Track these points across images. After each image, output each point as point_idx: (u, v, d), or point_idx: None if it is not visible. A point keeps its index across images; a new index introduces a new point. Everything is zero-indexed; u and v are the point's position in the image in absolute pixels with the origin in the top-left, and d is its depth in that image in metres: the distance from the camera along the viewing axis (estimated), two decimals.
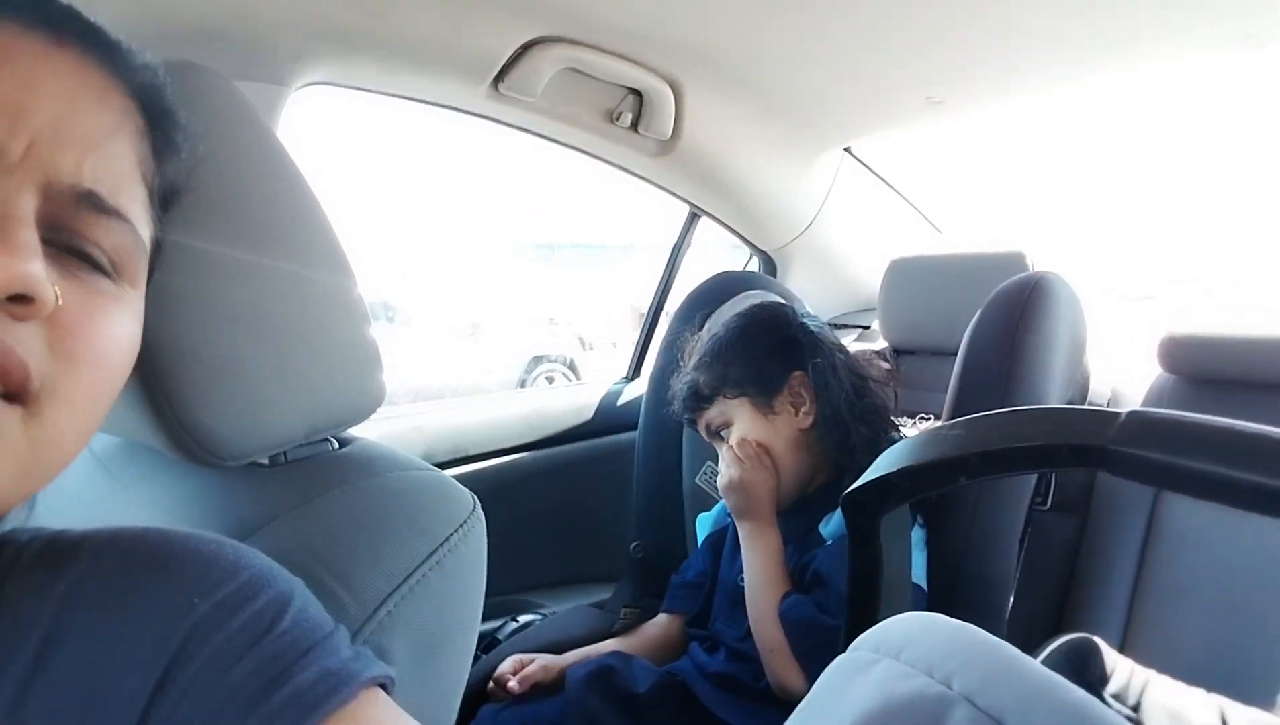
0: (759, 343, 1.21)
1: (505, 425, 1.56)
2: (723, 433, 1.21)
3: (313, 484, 0.63)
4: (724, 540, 1.29)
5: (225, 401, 0.59)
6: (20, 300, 0.36)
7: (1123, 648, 1.23)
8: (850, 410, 1.14)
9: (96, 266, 0.41)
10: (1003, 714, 0.47)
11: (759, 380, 1.19)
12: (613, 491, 1.62)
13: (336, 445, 0.70)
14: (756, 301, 1.35)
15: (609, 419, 1.72)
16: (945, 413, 1.18)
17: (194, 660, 0.42)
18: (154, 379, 0.57)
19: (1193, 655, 1.19)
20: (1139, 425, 0.60)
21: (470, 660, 0.63)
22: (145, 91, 0.45)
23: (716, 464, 1.46)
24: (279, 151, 0.66)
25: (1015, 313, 1.12)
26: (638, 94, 1.35)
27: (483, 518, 0.64)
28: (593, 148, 1.43)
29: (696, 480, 1.46)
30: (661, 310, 1.82)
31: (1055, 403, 1.17)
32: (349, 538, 0.57)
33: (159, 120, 0.46)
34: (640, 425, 1.51)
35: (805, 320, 1.24)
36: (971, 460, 0.66)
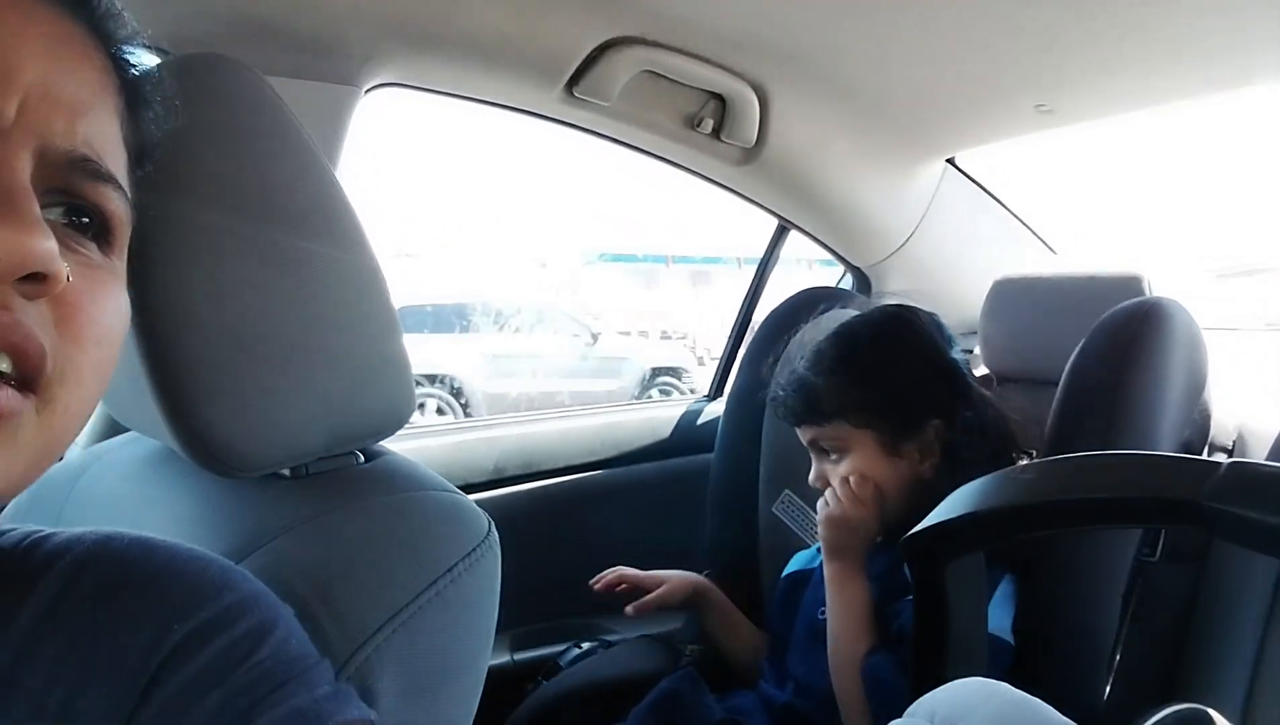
0: (905, 368, 1.07)
1: (578, 441, 1.52)
2: (831, 454, 1.08)
3: (324, 500, 0.59)
4: (808, 580, 1.21)
5: (240, 410, 0.56)
6: (33, 278, 0.34)
7: (1244, 720, 1.10)
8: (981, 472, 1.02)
9: (91, 237, 0.39)
10: None
11: (894, 415, 1.05)
12: (686, 515, 1.55)
13: (362, 459, 0.67)
14: (899, 306, 1.19)
15: (687, 438, 1.66)
16: (1044, 448, 1.08)
17: (166, 687, 0.39)
18: (170, 384, 0.54)
19: None
20: (1242, 479, 0.50)
21: (475, 702, 0.57)
22: (121, 49, 0.43)
23: (795, 493, 1.38)
24: (309, 148, 0.63)
25: (1123, 341, 1.01)
26: (720, 99, 1.29)
27: (497, 546, 0.59)
28: (671, 155, 1.38)
29: (773, 509, 1.39)
30: (747, 327, 1.75)
31: (1168, 445, 1.05)
32: (345, 561, 0.53)
33: (135, 79, 0.44)
34: (717, 447, 1.44)
35: (957, 354, 1.10)
36: (1044, 509, 0.58)
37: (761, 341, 1.43)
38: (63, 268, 0.34)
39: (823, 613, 1.09)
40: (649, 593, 1.21)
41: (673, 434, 1.65)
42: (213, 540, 0.56)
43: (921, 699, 0.58)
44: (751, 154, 1.38)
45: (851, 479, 1.04)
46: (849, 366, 1.07)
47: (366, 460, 0.67)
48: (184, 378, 0.55)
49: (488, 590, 0.58)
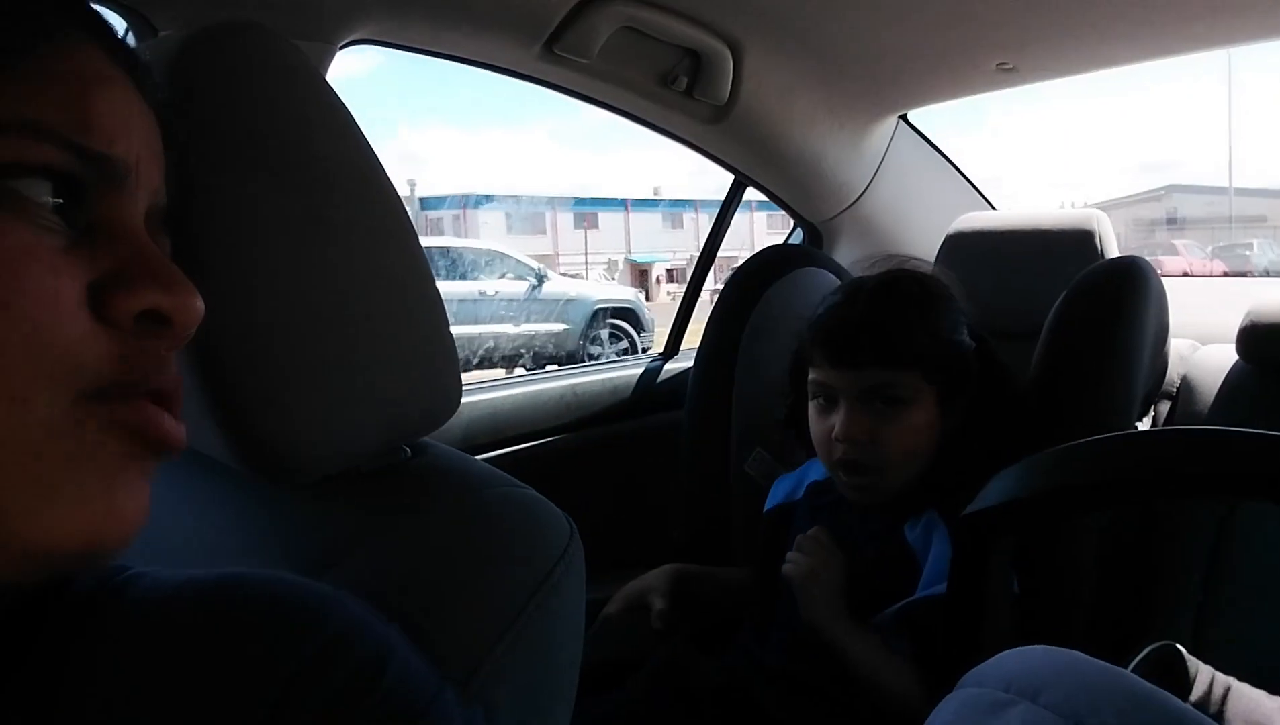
0: (964, 327, 1.05)
1: (543, 406, 1.49)
2: (883, 406, 1.01)
3: (392, 504, 0.56)
4: (791, 521, 1.21)
5: (295, 407, 0.52)
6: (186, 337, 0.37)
7: (1193, 647, 1.18)
8: (1000, 439, 1.02)
9: None
10: None
11: (959, 378, 1.02)
12: (654, 473, 1.55)
13: (409, 453, 0.63)
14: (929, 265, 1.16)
15: (648, 398, 1.65)
16: (1031, 407, 1.12)
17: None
18: (217, 382, 0.50)
19: (1271, 659, 1.13)
20: None
21: (571, 710, 0.56)
22: (159, 107, 0.42)
23: (766, 451, 1.40)
24: (348, 120, 0.58)
25: (1108, 298, 1.05)
26: (695, 56, 1.27)
27: (580, 544, 0.57)
28: (645, 113, 1.35)
29: (745, 467, 1.40)
30: (703, 285, 1.75)
31: (1140, 392, 1.10)
32: (442, 572, 0.50)
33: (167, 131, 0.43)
34: (687, 406, 1.44)
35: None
36: (1134, 483, 0.59)
37: (730, 301, 1.42)
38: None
39: None
40: None
41: (634, 394, 1.64)
42: (280, 559, 0.52)
43: (981, 668, 0.57)
44: (722, 112, 1.36)
45: (813, 535, 1.04)
46: (928, 315, 1.03)
47: (414, 455, 0.64)
48: (238, 377, 0.50)
49: (581, 594, 0.56)
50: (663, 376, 1.70)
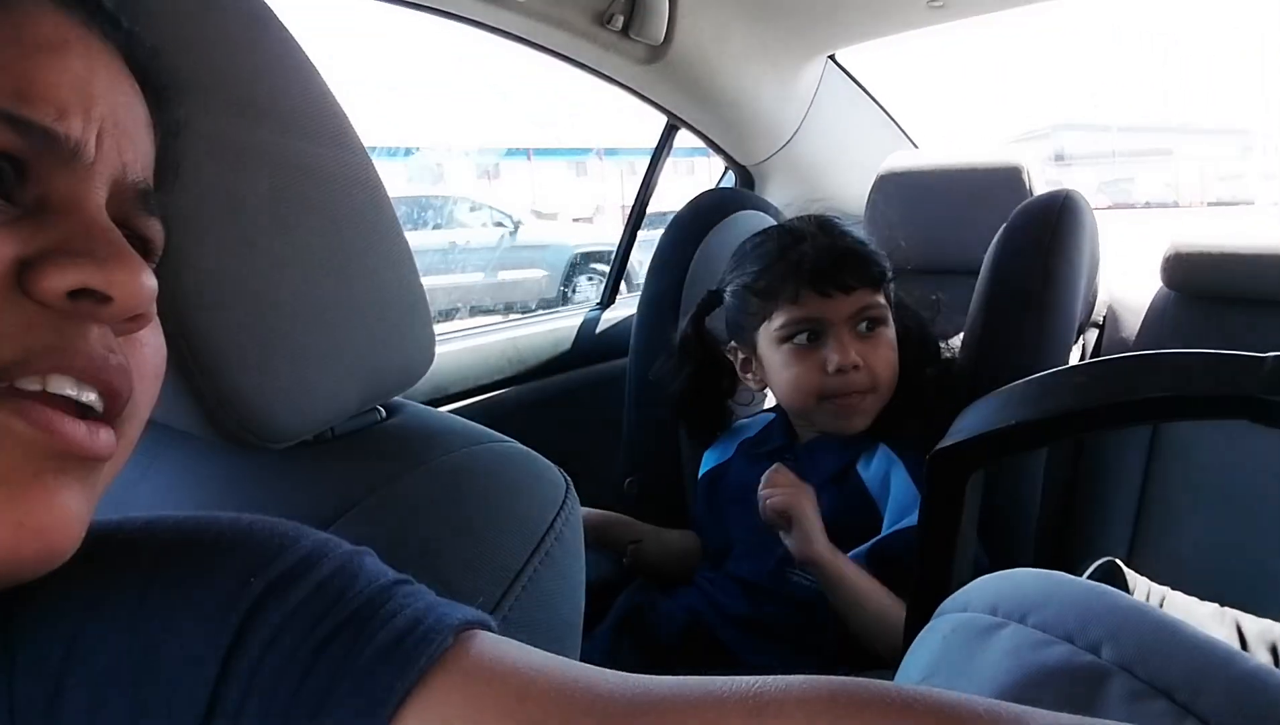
0: None
1: (483, 361, 1.46)
2: (866, 327, 1.06)
3: (378, 465, 0.53)
4: (724, 477, 1.23)
5: (271, 370, 0.49)
6: (137, 317, 0.34)
7: (1128, 561, 1.25)
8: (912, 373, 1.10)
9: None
10: (1170, 686, 0.42)
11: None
12: (599, 424, 1.54)
13: (384, 414, 0.61)
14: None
15: (589, 348, 1.64)
16: (968, 336, 1.14)
17: (257, 640, 0.35)
18: (188, 349, 0.47)
19: (1199, 569, 1.20)
20: None
21: (578, 659, 0.55)
22: (149, 76, 0.40)
23: None
24: (309, 67, 0.54)
25: (1046, 234, 1.08)
26: None
27: (576, 496, 0.56)
28: (580, 55, 1.31)
29: None
30: (637, 232, 1.72)
31: (1076, 322, 1.14)
32: (442, 533, 0.49)
33: (158, 104, 0.41)
34: (631, 352, 1.43)
35: None
36: (1099, 412, 0.61)
37: (670, 247, 1.41)
38: (154, 306, 0.35)
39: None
40: None
41: (574, 345, 1.62)
42: None
43: (964, 592, 0.58)
44: (658, 52, 1.33)
45: (775, 471, 1.04)
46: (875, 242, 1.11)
47: (389, 416, 0.61)
48: (204, 341, 0.47)
49: (581, 545, 0.54)
50: (602, 326, 1.68)
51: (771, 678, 0.33)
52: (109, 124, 0.35)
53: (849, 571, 0.97)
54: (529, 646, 0.37)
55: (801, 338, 1.06)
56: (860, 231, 1.12)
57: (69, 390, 0.33)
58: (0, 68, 0.32)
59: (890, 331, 1.07)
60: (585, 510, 1.18)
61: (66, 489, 0.33)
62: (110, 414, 0.35)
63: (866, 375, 1.04)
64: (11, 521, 0.31)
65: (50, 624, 0.36)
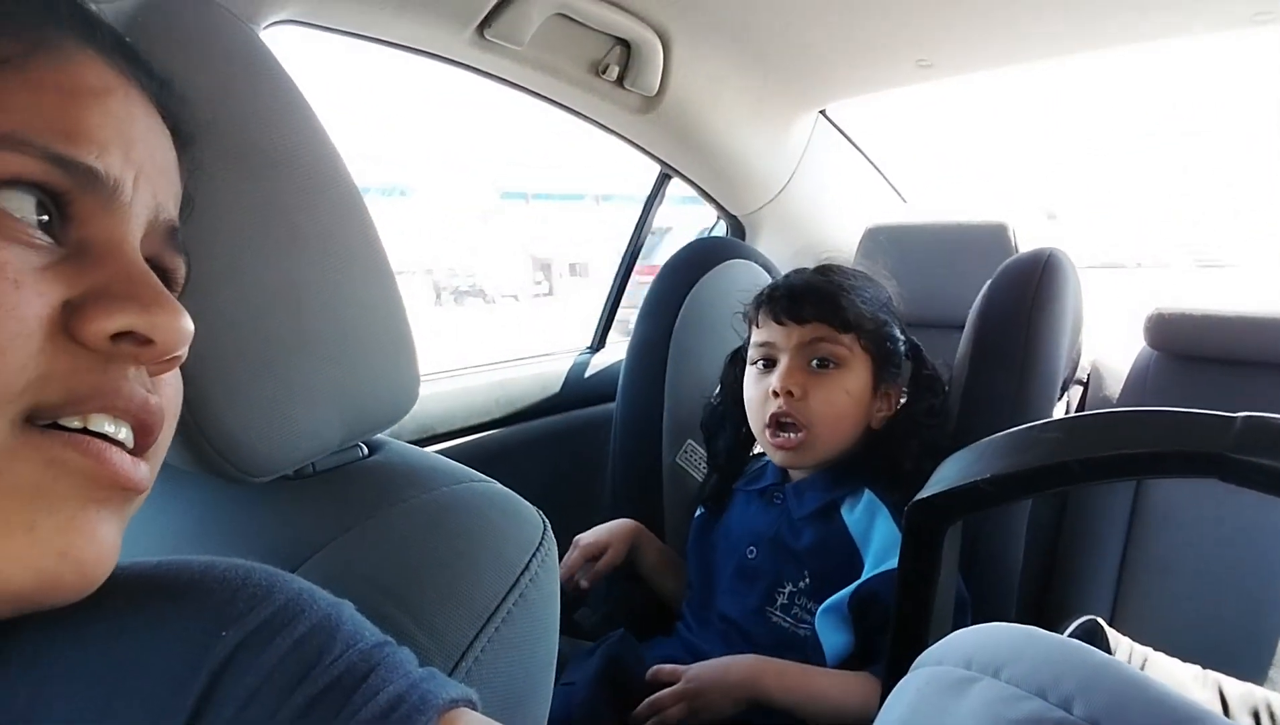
0: (897, 320, 1.13)
1: (471, 402, 1.46)
2: (818, 364, 1.07)
3: (358, 501, 0.54)
4: (713, 524, 1.24)
5: (255, 403, 0.50)
6: (173, 358, 0.36)
7: (1111, 622, 1.25)
8: (923, 427, 1.10)
9: None
10: None
11: (890, 354, 1.09)
12: (585, 468, 1.54)
13: (365, 451, 0.61)
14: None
15: (577, 392, 1.64)
16: (953, 390, 1.15)
17: (229, 702, 0.35)
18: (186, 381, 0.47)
19: (1181, 631, 1.20)
20: (1260, 432, 0.56)
21: (548, 705, 0.54)
22: (179, 122, 0.43)
23: (697, 443, 1.40)
24: (305, 107, 0.55)
25: (1030, 290, 1.09)
26: (626, 46, 1.26)
27: (554, 538, 0.56)
28: (576, 103, 1.33)
29: (676, 459, 1.40)
30: (629, 278, 1.74)
31: (1060, 378, 1.15)
32: (419, 568, 0.49)
33: (183, 146, 0.43)
34: (619, 398, 1.43)
35: None
36: (1072, 467, 0.62)
37: (661, 293, 1.42)
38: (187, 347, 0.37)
39: (751, 552, 1.12)
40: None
41: (563, 388, 1.62)
42: (245, 557, 0.50)
43: (939, 646, 0.57)
44: (652, 102, 1.36)
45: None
46: (871, 293, 1.11)
47: (370, 452, 0.61)
48: (195, 373, 0.47)
49: (556, 587, 0.54)
50: (591, 370, 1.68)
51: None
52: (145, 166, 0.37)
53: (792, 690, 0.99)
54: None
55: (759, 363, 1.12)
56: (868, 283, 1.14)
57: (107, 427, 0.34)
58: (50, 111, 0.33)
59: (848, 378, 1.07)
60: (620, 527, 1.21)
61: (107, 523, 0.34)
62: (140, 449, 0.36)
63: (804, 409, 1.06)
64: (56, 551, 0.32)
65: (20, 668, 0.36)
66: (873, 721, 0.87)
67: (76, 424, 0.33)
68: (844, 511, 1.06)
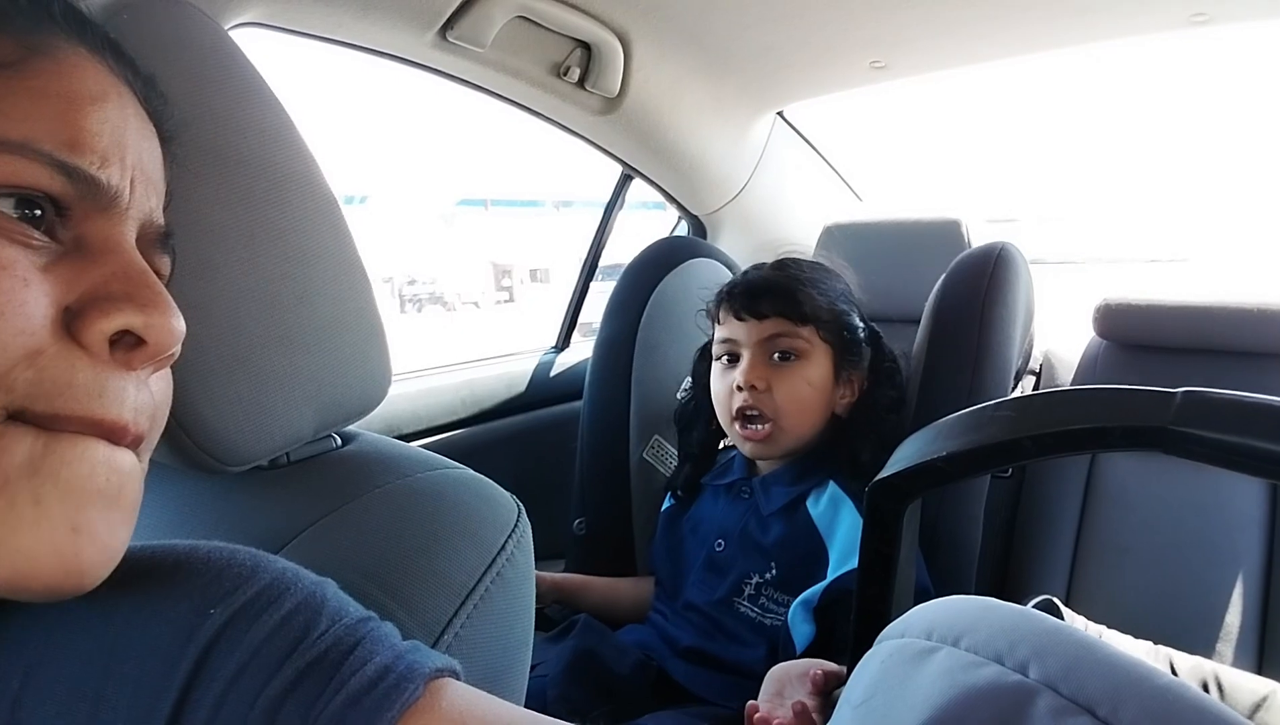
0: (856, 308, 1.16)
1: (438, 402, 1.47)
2: (779, 357, 1.10)
3: (334, 488, 0.55)
4: (680, 516, 1.26)
5: (230, 395, 0.50)
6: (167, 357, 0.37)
7: (1066, 601, 1.28)
8: (886, 420, 1.13)
9: None
10: (1092, 702, 0.44)
11: (850, 342, 1.13)
12: (552, 466, 1.55)
13: (339, 442, 0.62)
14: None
15: (543, 390, 1.65)
16: (911, 381, 1.18)
17: (218, 678, 0.35)
18: None
19: (1133, 608, 1.25)
20: (1199, 406, 0.59)
21: (526, 681, 0.56)
22: (161, 121, 0.43)
23: (664, 438, 1.43)
24: (276, 105, 0.56)
25: (983, 284, 1.13)
26: (587, 48, 1.28)
27: (529, 522, 0.57)
28: (537, 105, 1.35)
29: (644, 455, 1.42)
30: (592, 277, 1.76)
31: (1013, 368, 1.19)
32: (397, 551, 0.50)
33: (166, 146, 0.43)
34: (585, 396, 1.45)
35: None
36: (1023, 443, 0.64)
37: (625, 291, 1.44)
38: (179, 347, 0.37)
39: (720, 544, 1.15)
40: None
41: (528, 387, 1.63)
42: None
43: (901, 620, 0.60)
44: (613, 104, 1.38)
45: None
46: (828, 285, 1.14)
47: (344, 443, 0.62)
48: (177, 367, 0.48)
49: (531, 568, 0.56)
50: (556, 369, 1.70)
51: None
52: (139, 171, 0.38)
53: None
54: (497, 699, 0.38)
55: (724, 358, 1.16)
56: (825, 275, 1.17)
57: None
58: (52, 118, 0.34)
59: (809, 369, 1.10)
60: (541, 573, 1.20)
61: (122, 510, 0.36)
62: (133, 447, 0.37)
63: (769, 401, 1.09)
64: (68, 525, 0.33)
65: (10, 652, 0.37)
66: None
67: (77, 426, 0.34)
68: (809, 504, 1.09)
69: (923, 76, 1.49)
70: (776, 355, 1.10)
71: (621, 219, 1.75)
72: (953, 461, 0.66)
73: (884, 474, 0.71)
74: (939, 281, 1.19)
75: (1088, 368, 1.38)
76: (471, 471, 0.59)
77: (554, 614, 1.38)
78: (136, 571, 0.39)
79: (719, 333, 1.16)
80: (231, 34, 0.95)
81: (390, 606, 0.47)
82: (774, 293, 1.11)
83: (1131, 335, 1.36)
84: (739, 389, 1.10)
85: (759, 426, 1.10)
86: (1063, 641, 0.53)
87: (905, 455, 0.71)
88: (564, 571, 1.41)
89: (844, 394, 1.14)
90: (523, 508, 0.58)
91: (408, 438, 1.41)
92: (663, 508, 1.30)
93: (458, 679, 0.40)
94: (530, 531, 0.57)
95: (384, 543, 0.50)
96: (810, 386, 1.10)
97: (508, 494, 0.58)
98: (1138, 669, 0.44)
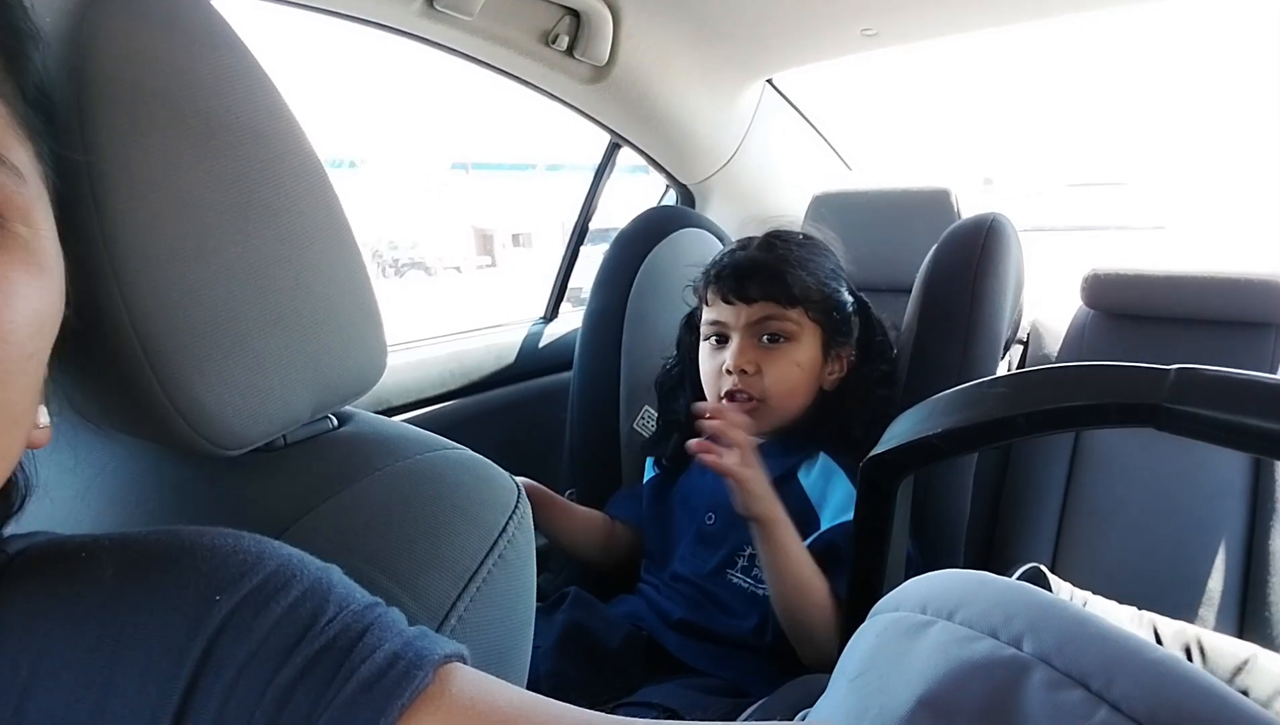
0: (845, 283, 1.15)
1: (427, 374, 1.46)
2: (769, 340, 1.10)
3: (333, 471, 0.54)
4: (668, 487, 1.26)
5: (226, 378, 0.50)
6: None
7: (1053, 568, 1.31)
8: (875, 393, 1.13)
9: None
10: (1085, 675, 0.45)
11: (838, 319, 1.12)
12: (542, 437, 1.56)
13: (335, 423, 0.62)
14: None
15: (532, 361, 1.65)
16: (902, 352, 1.19)
17: (227, 666, 0.35)
18: (143, 353, 0.47)
19: (1117, 575, 1.27)
20: (1193, 383, 0.59)
21: (529, 662, 0.56)
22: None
23: (654, 408, 1.43)
24: (264, 77, 0.55)
25: (974, 255, 1.13)
26: (575, 16, 1.26)
27: (529, 502, 0.57)
28: (526, 74, 1.33)
29: (634, 425, 1.42)
30: (580, 248, 1.75)
31: (1003, 338, 1.19)
32: (399, 534, 0.50)
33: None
34: (575, 367, 1.45)
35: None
36: (1018, 420, 0.65)
37: (615, 262, 1.44)
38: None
39: (711, 518, 1.15)
40: None
41: (517, 359, 1.63)
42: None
43: (896, 593, 0.60)
44: (602, 72, 1.36)
45: (744, 448, 1.03)
46: (816, 263, 1.12)
47: (340, 424, 0.62)
48: (166, 348, 0.48)
49: (532, 549, 0.56)
50: (545, 340, 1.69)
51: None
52: None
53: (791, 538, 0.99)
54: (505, 683, 0.38)
55: (712, 338, 1.15)
56: (814, 252, 1.15)
57: None
58: None
59: (798, 350, 1.10)
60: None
61: None
62: None
63: (758, 383, 1.09)
64: None
65: (18, 639, 0.36)
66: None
67: None
68: (800, 475, 1.10)
69: (913, 44, 1.47)
70: (765, 338, 1.10)
71: (611, 183, 1.74)
72: (948, 438, 0.67)
73: (878, 450, 0.72)
74: (929, 254, 1.19)
75: (1075, 337, 1.39)
76: (470, 452, 0.59)
77: (545, 585, 1.39)
78: (142, 557, 0.39)
79: (707, 314, 1.15)
80: (218, 7, 0.94)
81: (394, 591, 0.47)
82: (762, 275, 1.09)
83: (1119, 305, 1.36)
84: (728, 372, 1.10)
85: (746, 407, 1.10)
86: (1057, 616, 0.54)
87: (900, 432, 0.71)
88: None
89: (832, 370, 1.14)
90: (521, 488, 0.58)
91: (397, 411, 1.40)
92: (645, 478, 1.30)
93: (465, 664, 0.40)
94: (530, 511, 0.57)
95: (386, 527, 0.50)
96: (799, 368, 1.10)
97: (507, 474, 0.58)
98: (1130, 643, 0.44)
